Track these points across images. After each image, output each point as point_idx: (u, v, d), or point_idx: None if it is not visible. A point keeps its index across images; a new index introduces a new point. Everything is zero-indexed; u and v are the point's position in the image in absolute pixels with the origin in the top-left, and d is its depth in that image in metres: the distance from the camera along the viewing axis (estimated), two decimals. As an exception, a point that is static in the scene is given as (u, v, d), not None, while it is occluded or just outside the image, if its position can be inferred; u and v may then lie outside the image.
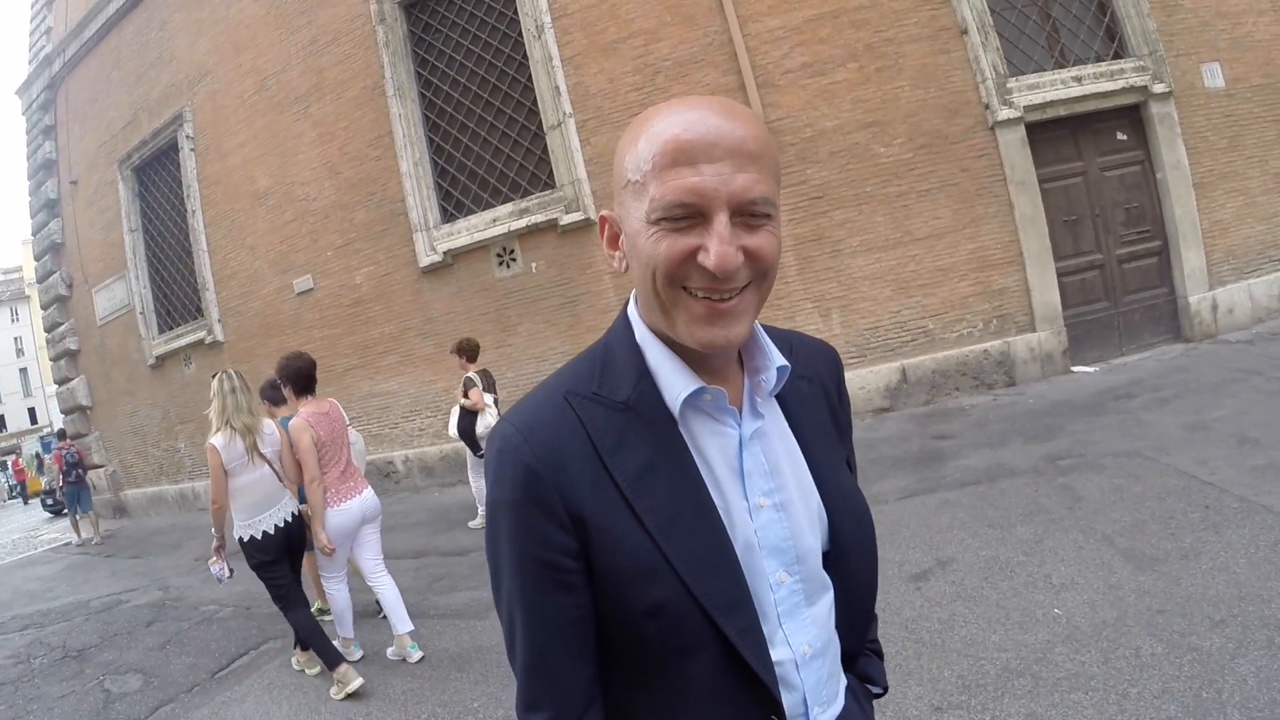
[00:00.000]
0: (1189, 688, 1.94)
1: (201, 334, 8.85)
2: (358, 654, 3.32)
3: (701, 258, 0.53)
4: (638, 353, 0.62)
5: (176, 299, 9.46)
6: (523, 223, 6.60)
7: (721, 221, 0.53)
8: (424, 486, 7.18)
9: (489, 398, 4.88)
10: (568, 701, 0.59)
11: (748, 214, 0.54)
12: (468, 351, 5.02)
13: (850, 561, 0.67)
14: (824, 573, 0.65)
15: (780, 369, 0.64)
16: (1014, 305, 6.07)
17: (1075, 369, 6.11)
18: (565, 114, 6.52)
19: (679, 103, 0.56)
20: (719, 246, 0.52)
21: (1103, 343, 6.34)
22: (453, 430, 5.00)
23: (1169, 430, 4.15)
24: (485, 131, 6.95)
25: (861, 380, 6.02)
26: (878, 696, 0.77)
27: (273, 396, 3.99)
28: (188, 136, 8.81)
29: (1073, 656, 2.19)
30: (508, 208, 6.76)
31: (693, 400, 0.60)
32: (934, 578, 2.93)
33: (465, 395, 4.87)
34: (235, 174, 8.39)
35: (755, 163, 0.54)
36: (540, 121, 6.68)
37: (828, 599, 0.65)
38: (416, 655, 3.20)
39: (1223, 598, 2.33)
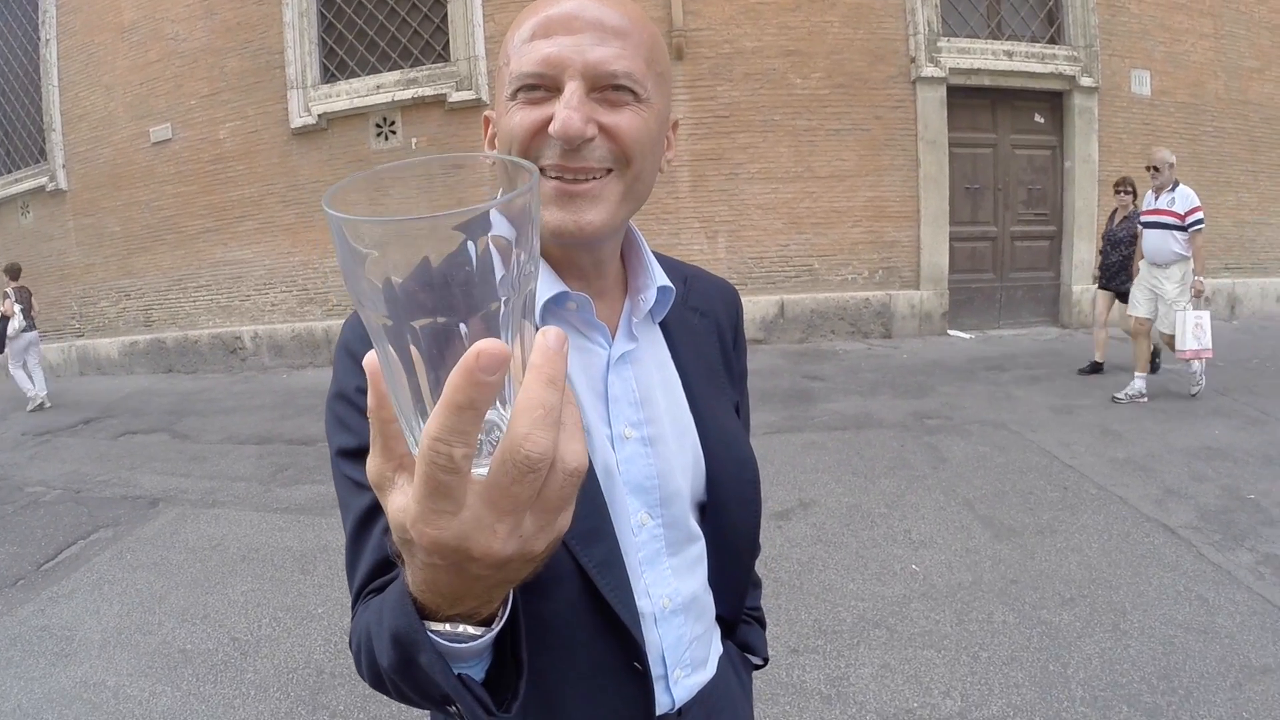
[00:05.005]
0: (1037, 659, 1.98)
1: (43, 180, 7.75)
2: None
3: (550, 126, 0.49)
4: None
5: (19, 139, 8.25)
6: (409, 94, 5.98)
7: (571, 89, 0.49)
8: (272, 366, 6.56)
9: (18, 307, 6.23)
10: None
11: (607, 88, 0.50)
12: (10, 272, 6.46)
13: (728, 515, 0.62)
14: (693, 522, 0.60)
15: (662, 289, 0.60)
16: (902, 260, 5.99)
17: (951, 332, 6.13)
18: (473, -17, 5.90)
19: None
20: (563, 111, 0.49)
21: (982, 312, 6.37)
22: None
23: (1036, 409, 4.20)
24: (384, -11, 6.23)
25: (739, 313, 5.82)
26: (758, 668, 0.72)
27: None
28: (51, -50, 7.59)
29: (928, 614, 2.21)
30: (395, 75, 6.11)
31: (555, 308, 0.55)
32: (795, 518, 2.89)
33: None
34: (99, 2, 7.29)
35: (620, 38, 0.50)
36: (445, -13, 6.03)
37: (694, 551, 0.61)
38: None
39: (1074, 577, 2.38)
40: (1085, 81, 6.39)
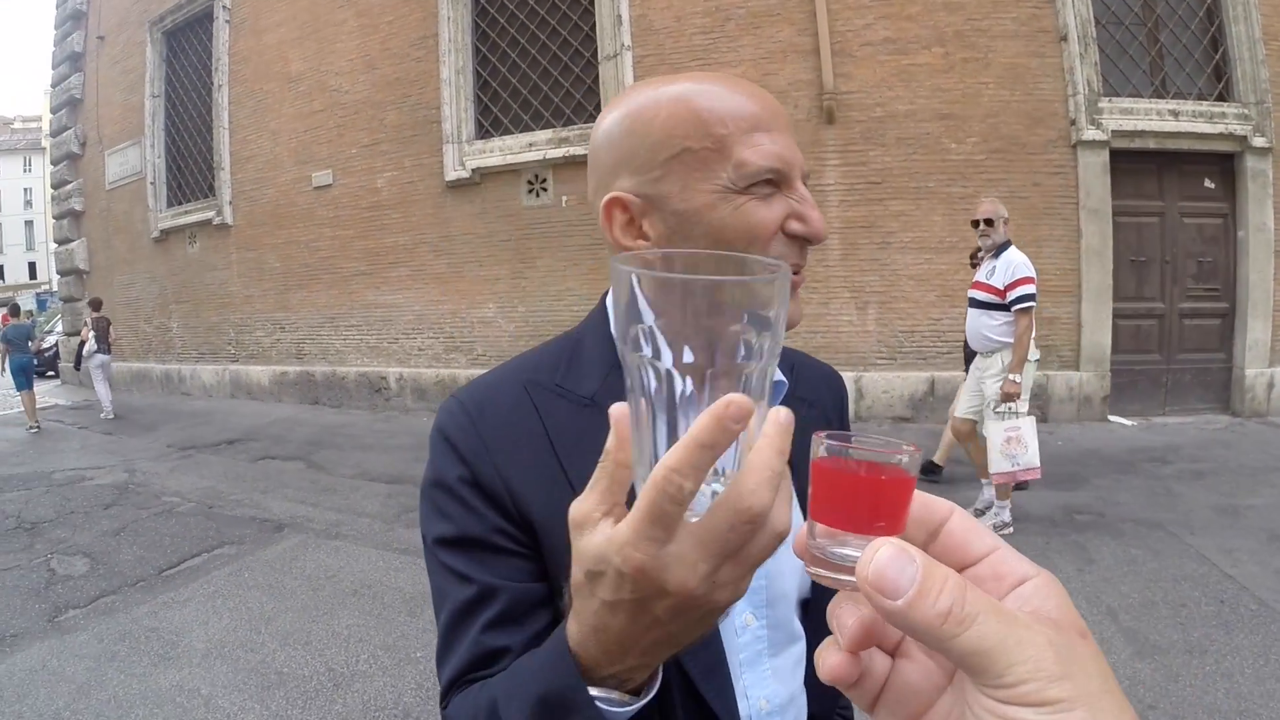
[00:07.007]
0: (1173, 801, 1.79)
1: (210, 214, 8.52)
2: None
3: (793, 226, 0.51)
4: (610, 344, 0.56)
5: (190, 174, 9.10)
6: (560, 152, 6.21)
7: (803, 188, 0.51)
8: (414, 409, 6.92)
9: (93, 334, 7.61)
10: (482, 655, 0.50)
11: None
12: (94, 304, 8.00)
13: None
14: (797, 622, 0.59)
15: (777, 384, 0.57)
16: (1061, 338, 5.71)
17: (1112, 418, 5.78)
18: (624, 45, 6.08)
19: (714, 75, 0.53)
20: (816, 211, 0.51)
21: (1146, 397, 5.98)
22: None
23: (1198, 508, 3.90)
24: (536, 50, 6.51)
25: (887, 384, 5.69)
26: None
27: None
28: (224, 7, 8.35)
29: (1054, 735, 2.04)
30: (547, 134, 6.36)
31: None
32: None
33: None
34: (268, 53, 7.96)
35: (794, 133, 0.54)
36: (595, 49, 6.24)
37: (795, 652, 0.59)
38: None
39: (1220, 707, 2.13)
40: (1258, 142, 5.92)
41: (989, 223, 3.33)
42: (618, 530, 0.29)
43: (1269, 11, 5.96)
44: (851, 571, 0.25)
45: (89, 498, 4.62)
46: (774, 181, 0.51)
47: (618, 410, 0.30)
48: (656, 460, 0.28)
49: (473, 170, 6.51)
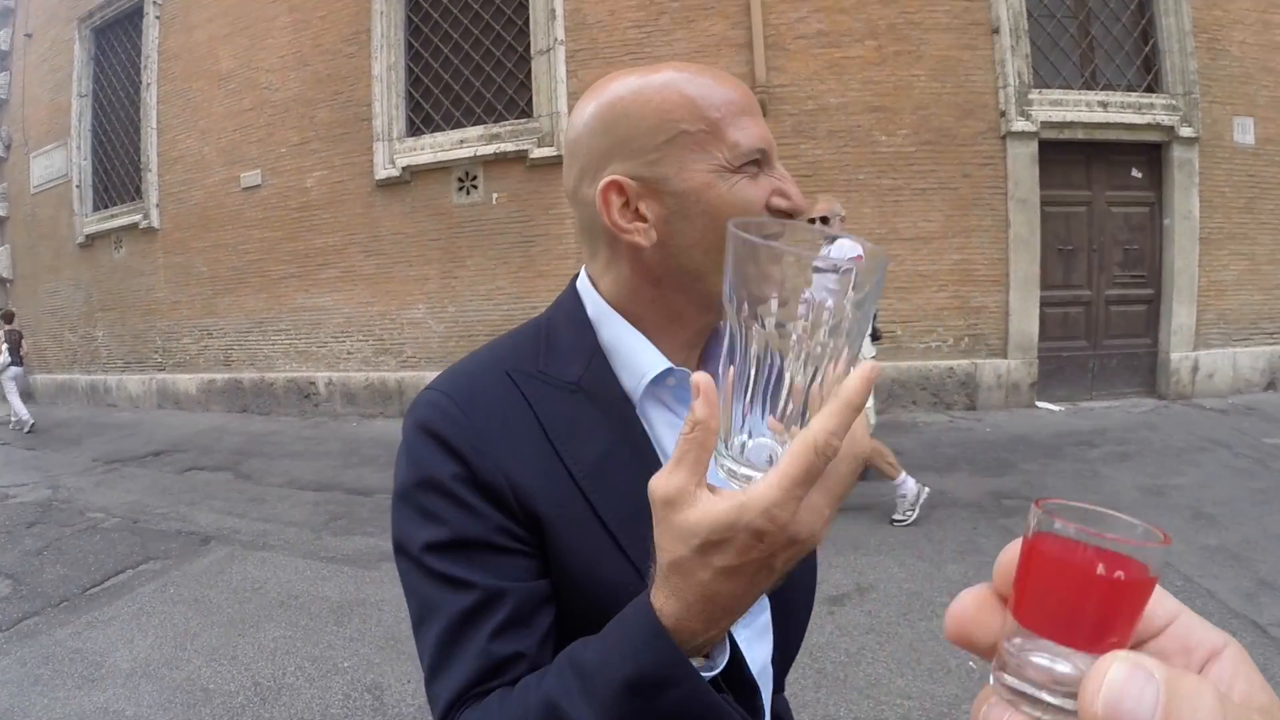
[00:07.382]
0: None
1: (137, 217, 8.18)
2: None
3: (777, 201, 0.53)
4: (588, 329, 0.55)
5: (116, 177, 8.74)
6: (491, 149, 6.08)
7: (782, 169, 0.55)
8: (343, 414, 6.69)
9: (5, 346, 7.46)
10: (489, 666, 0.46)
11: None
12: (6, 316, 7.74)
13: (792, 578, 0.60)
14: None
15: None
16: (989, 327, 5.74)
17: (1040, 404, 5.84)
18: (556, 40, 5.98)
19: (689, 64, 0.54)
20: (796, 188, 0.54)
21: (1073, 383, 6.05)
22: None
23: (1124, 489, 3.96)
24: (469, 45, 6.38)
25: (818, 377, 5.66)
26: None
27: None
28: (155, 2, 8.05)
29: (981, 718, 2.03)
30: (478, 130, 6.22)
31: (654, 387, 0.54)
32: (850, 604, 2.75)
33: None
34: (199, 50, 7.69)
35: None
36: (529, 44, 6.13)
37: (764, 619, 0.60)
38: None
39: None
40: (1185, 132, 6.06)
41: (825, 220, 3.34)
42: (759, 493, 0.30)
43: (1199, 5, 6.11)
44: (1066, 693, 0.20)
45: (10, 516, 4.44)
46: (759, 162, 0.53)
47: (704, 379, 0.31)
48: (750, 423, 0.31)
49: (403, 168, 6.34)
